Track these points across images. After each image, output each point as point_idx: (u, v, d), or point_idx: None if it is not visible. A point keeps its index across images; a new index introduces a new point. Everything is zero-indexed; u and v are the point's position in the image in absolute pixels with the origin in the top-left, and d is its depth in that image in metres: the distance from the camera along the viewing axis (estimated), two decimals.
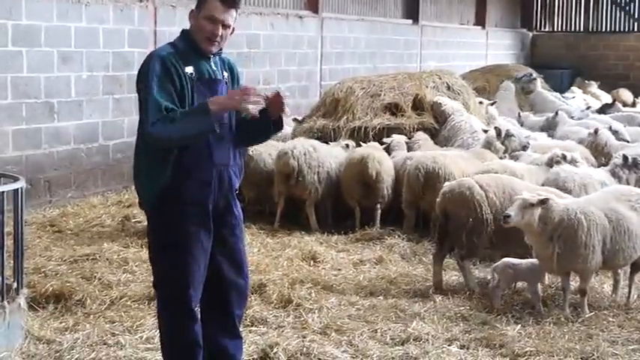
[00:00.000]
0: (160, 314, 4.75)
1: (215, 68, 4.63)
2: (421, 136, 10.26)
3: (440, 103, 10.77)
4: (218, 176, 4.60)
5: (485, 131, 10.22)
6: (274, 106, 4.56)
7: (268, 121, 4.65)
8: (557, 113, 13.62)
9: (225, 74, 4.69)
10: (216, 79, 4.61)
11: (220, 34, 4.52)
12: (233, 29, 4.61)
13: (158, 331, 4.85)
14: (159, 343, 5.51)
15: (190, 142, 4.45)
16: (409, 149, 9.95)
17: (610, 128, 11.77)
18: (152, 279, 6.75)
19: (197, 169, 4.51)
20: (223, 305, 4.76)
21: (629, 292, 6.84)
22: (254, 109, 4.38)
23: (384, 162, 9.15)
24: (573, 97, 19.40)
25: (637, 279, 6.94)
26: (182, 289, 4.55)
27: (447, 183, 7.55)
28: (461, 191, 7.17)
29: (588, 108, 16.21)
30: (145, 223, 9.00)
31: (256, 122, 4.60)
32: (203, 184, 4.54)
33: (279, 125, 4.76)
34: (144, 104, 4.41)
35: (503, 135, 9.87)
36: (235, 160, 4.74)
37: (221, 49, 4.65)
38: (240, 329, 4.97)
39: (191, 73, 4.47)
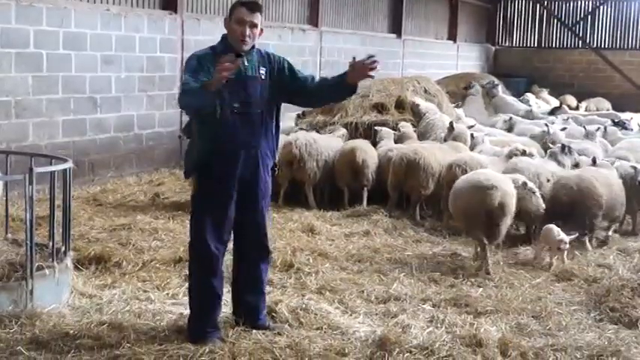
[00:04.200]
0: (190, 267, 4.78)
1: (248, 66, 4.54)
2: (405, 125, 10.15)
3: (417, 104, 10.67)
4: (243, 154, 4.57)
5: (451, 126, 9.96)
6: (359, 72, 4.51)
7: (347, 86, 4.60)
8: (511, 118, 13.65)
9: (262, 70, 4.60)
10: (249, 76, 4.53)
11: (248, 33, 4.48)
12: (261, 30, 4.56)
13: (188, 281, 4.87)
14: (183, 299, 5.53)
15: (200, 113, 4.43)
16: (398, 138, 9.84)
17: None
18: (177, 245, 6.85)
19: (223, 150, 4.52)
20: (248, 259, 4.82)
21: (562, 260, 6.77)
22: (225, 77, 4.11)
23: (368, 152, 9.08)
24: (528, 101, 19.40)
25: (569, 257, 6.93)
26: (208, 245, 4.58)
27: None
28: None
29: (531, 111, 16.25)
30: (173, 199, 9.12)
31: (334, 85, 4.62)
32: (228, 161, 4.54)
33: (354, 89, 4.70)
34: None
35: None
36: (267, 141, 4.69)
37: (253, 47, 4.58)
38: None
39: None
